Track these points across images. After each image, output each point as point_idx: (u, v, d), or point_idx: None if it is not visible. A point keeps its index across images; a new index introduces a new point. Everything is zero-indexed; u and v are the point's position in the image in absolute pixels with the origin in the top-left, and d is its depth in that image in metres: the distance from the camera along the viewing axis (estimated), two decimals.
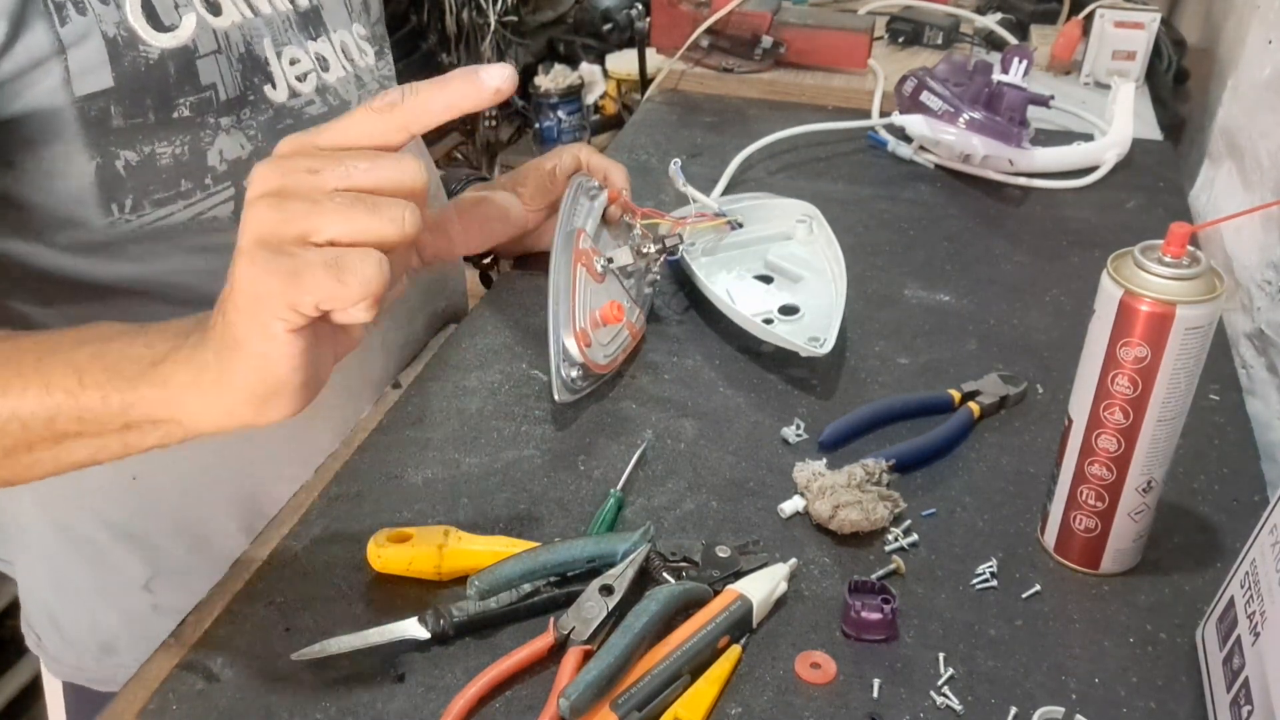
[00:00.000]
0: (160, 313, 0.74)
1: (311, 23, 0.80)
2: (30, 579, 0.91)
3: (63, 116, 0.66)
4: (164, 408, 0.56)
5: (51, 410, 0.57)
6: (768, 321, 0.87)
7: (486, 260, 1.05)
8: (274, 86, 0.76)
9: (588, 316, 0.81)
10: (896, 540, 0.69)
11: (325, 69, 0.81)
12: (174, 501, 0.82)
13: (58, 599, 0.89)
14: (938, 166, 1.23)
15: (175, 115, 0.70)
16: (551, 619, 0.61)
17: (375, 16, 0.91)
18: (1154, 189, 1.19)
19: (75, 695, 0.93)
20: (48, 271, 0.71)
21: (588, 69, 2.65)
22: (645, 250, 0.89)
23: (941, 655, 0.61)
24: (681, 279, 0.97)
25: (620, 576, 0.62)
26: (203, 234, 0.74)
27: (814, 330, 0.85)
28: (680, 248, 0.92)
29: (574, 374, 0.80)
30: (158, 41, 0.68)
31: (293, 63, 0.77)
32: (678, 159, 1.00)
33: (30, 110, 0.65)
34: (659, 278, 0.93)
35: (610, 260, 0.86)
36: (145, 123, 0.69)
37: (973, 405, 0.81)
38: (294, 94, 0.77)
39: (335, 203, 0.47)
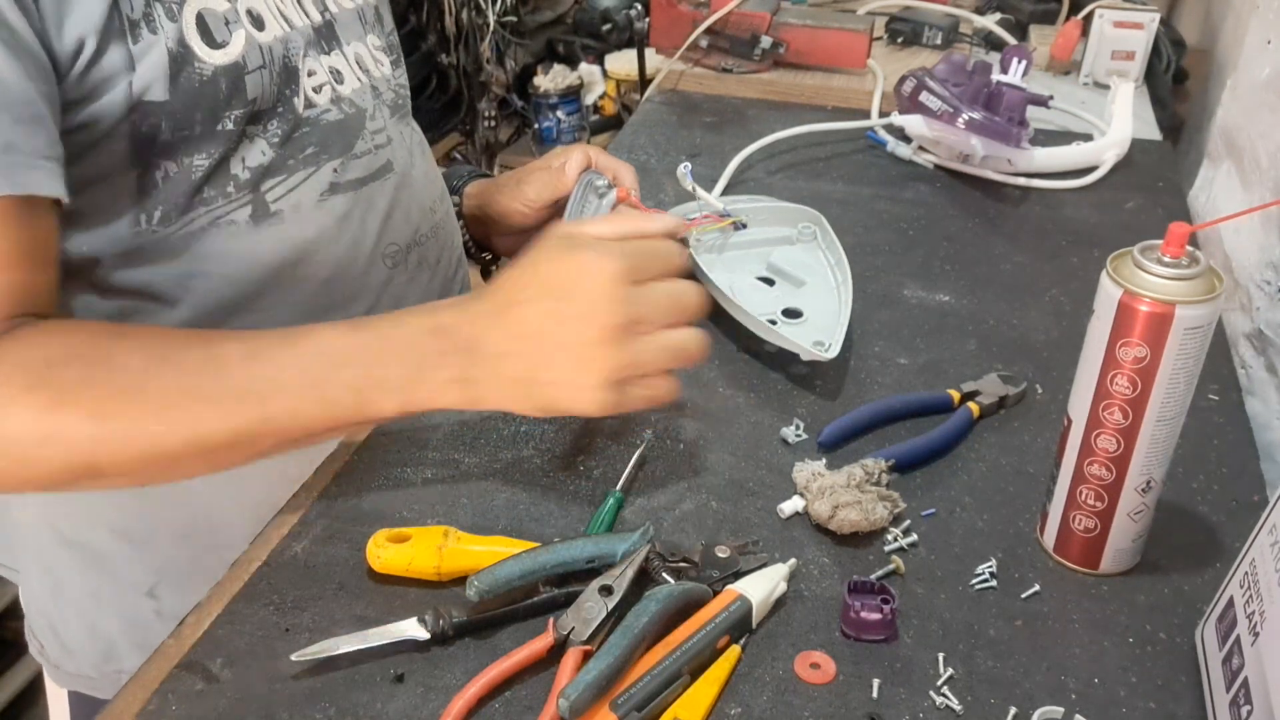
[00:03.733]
0: (171, 315, 0.75)
1: (325, 36, 0.81)
2: (31, 586, 0.91)
3: (117, 129, 0.67)
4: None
5: (333, 421, 0.65)
6: (771, 323, 0.87)
7: (488, 257, 1.05)
8: (298, 97, 0.77)
9: None
10: (896, 540, 0.69)
11: (340, 81, 0.82)
12: (181, 506, 0.82)
13: (57, 607, 0.89)
14: (937, 166, 1.23)
15: (219, 128, 0.72)
16: (551, 619, 0.61)
17: (389, 28, 0.92)
18: (1153, 189, 1.19)
19: (80, 704, 0.93)
20: (65, 280, 0.72)
21: (587, 69, 2.65)
22: None
23: (941, 655, 0.61)
24: (685, 276, 0.97)
25: (620, 577, 0.62)
26: (220, 238, 0.75)
27: (818, 334, 0.85)
28: (688, 249, 0.91)
29: None
30: (211, 59, 0.70)
31: (310, 74, 0.79)
32: (687, 163, 1.00)
33: (88, 122, 0.66)
34: None
35: None
36: (191, 135, 0.70)
37: (972, 405, 0.81)
38: (310, 104, 0.79)
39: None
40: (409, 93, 0.93)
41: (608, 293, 0.63)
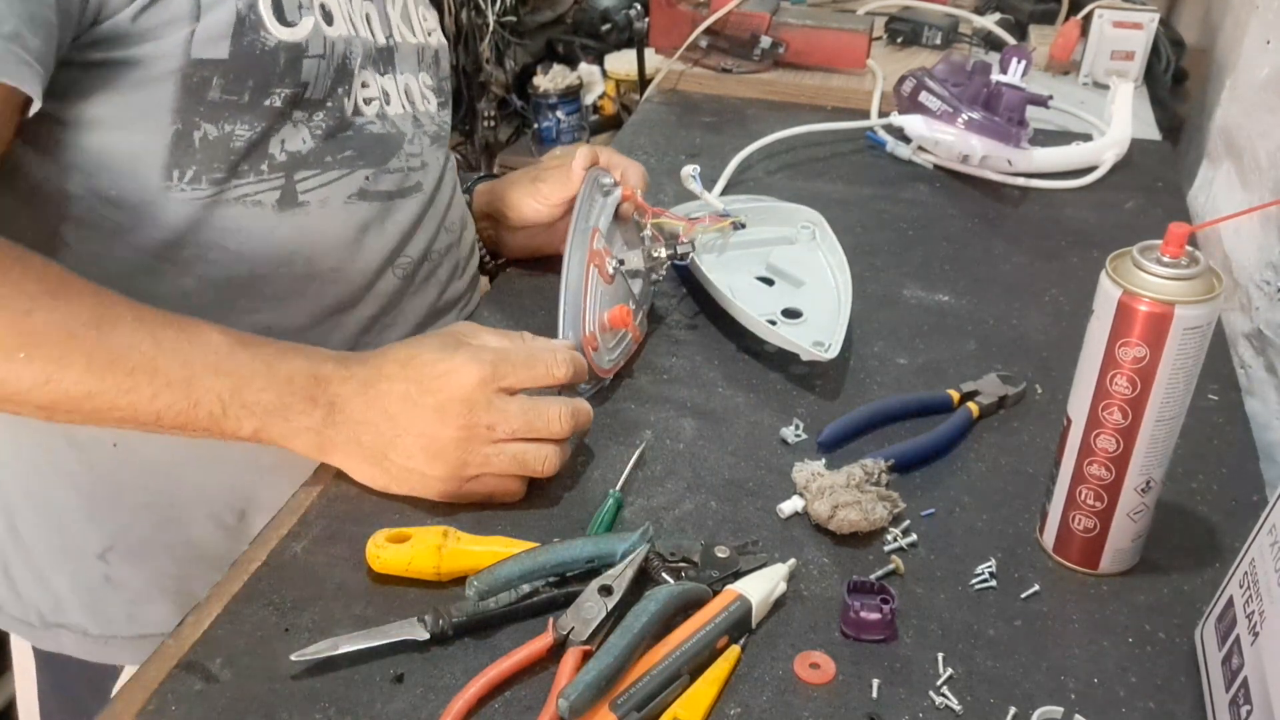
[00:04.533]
0: (181, 281, 0.76)
1: (385, 59, 0.85)
2: None
3: (168, 75, 0.69)
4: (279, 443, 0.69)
5: (187, 420, 0.66)
6: (771, 323, 0.87)
7: (491, 265, 1.05)
8: (349, 99, 0.80)
9: (596, 320, 0.81)
10: (895, 540, 0.69)
11: (387, 102, 0.84)
12: (148, 476, 0.82)
13: (12, 547, 0.88)
14: (936, 167, 1.23)
15: (266, 103, 0.74)
16: (550, 619, 0.61)
17: (444, 73, 0.95)
18: (1152, 189, 1.19)
19: (46, 662, 0.93)
20: (84, 217, 0.73)
21: (586, 69, 2.65)
22: (656, 254, 0.89)
23: (940, 655, 0.61)
24: (685, 276, 0.97)
25: (619, 577, 0.62)
26: (243, 215, 0.76)
27: (818, 334, 0.85)
28: (691, 255, 0.91)
29: None
30: (277, 33, 0.73)
31: (364, 85, 0.81)
32: (696, 166, 1.00)
33: (142, 59, 0.68)
34: (662, 278, 0.93)
35: (621, 263, 0.85)
36: (238, 102, 0.72)
37: (972, 405, 0.81)
38: (358, 111, 0.81)
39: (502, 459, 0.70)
40: (449, 128, 0.96)
41: (466, 396, 0.67)
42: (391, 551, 0.65)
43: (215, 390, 0.66)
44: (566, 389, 0.75)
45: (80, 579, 0.86)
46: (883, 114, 1.30)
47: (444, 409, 0.67)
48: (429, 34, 0.92)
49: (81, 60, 0.68)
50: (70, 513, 0.84)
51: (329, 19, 0.77)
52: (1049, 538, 0.69)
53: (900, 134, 1.25)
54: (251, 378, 0.67)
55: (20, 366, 0.63)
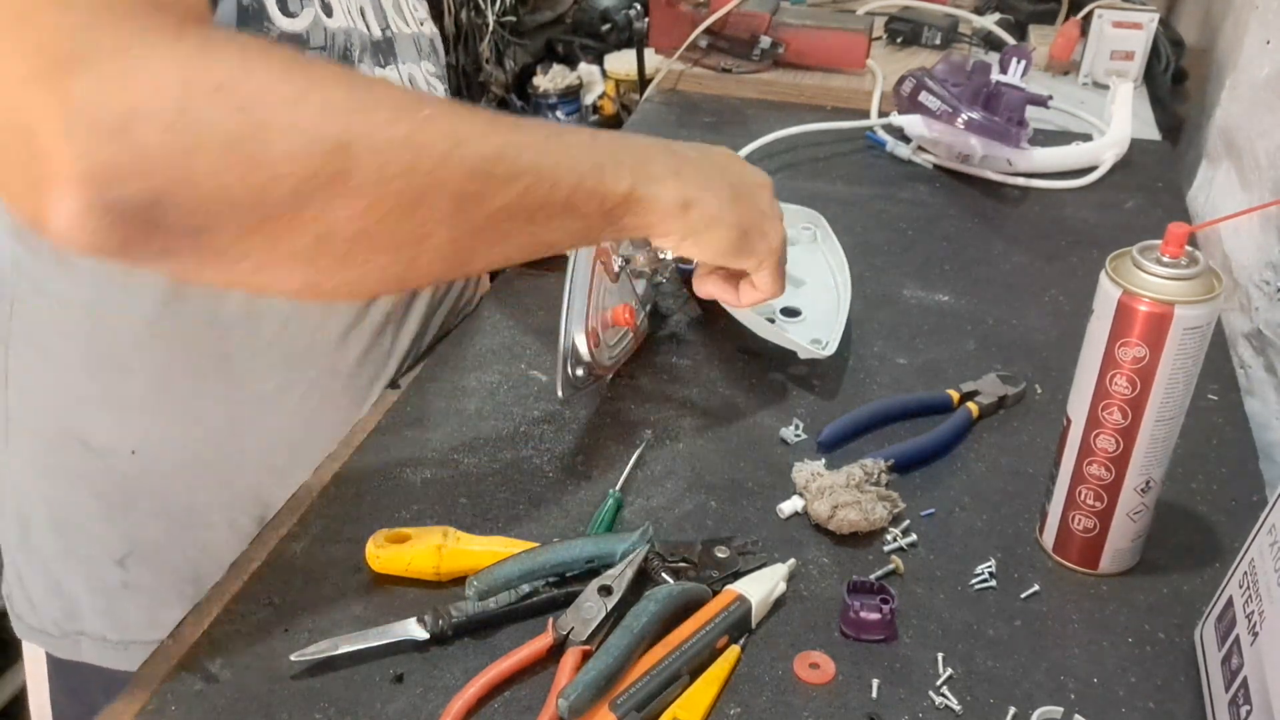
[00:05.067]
0: (188, 283, 0.75)
1: (383, 51, 0.85)
2: (4, 527, 0.90)
3: None
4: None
5: (578, 177, 0.61)
6: (769, 321, 0.87)
7: None
8: None
9: (599, 316, 0.81)
10: (895, 540, 0.69)
11: None
12: (166, 482, 0.82)
13: (26, 557, 0.88)
14: (936, 166, 1.23)
15: None
16: (550, 619, 0.61)
17: (443, 60, 0.95)
18: (1152, 189, 1.19)
19: (58, 668, 0.93)
20: None
21: (586, 69, 2.65)
22: (664, 255, 0.89)
23: (940, 655, 0.61)
24: (686, 277, 0.97)
25: (619, 577, 0.62)
26: None
27: (816, 332, 0.85)
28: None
29: (579, 373, 0.80)
30: (279, 23, 0.72)
31: None
32: None
33: None
34: (665, 279, 0.93)
35: (627, 262, 0.86)
36: None
37: (971, 405, 0.81)
38: None
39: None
40: None
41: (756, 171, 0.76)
42: (391, 552, 0.65)
43: (583, 147, 0.63)
44: (567, 385, 0.75)
45: (98, 585, 0.86)
46: (883, 114, 1.30)
47: (755, 173, 0.76)
48: (421, 24, 0.92)
49: None
50: (89, 519, 0.84)
51: (328, 10, 0.77)
52: (1049, 538, 0.69)
53: (900, 134, 1.25)
54: (609, 141, 0.65)
55: (424, 123, 0.54)
